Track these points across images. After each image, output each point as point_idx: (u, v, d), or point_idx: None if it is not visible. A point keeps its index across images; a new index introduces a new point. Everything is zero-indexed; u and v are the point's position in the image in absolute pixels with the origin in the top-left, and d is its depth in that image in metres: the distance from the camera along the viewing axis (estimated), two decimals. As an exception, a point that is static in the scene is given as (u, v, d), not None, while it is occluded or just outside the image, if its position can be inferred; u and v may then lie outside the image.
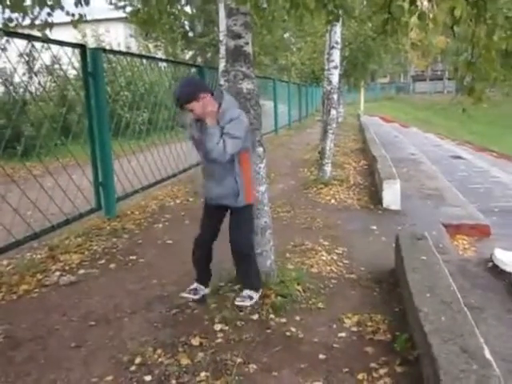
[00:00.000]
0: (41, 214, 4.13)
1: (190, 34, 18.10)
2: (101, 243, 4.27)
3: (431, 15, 2.41)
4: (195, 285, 3.11)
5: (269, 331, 2.76)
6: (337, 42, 6.96)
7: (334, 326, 2.86)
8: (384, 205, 5.75)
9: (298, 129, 17.28)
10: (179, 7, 16.31)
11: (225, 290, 3.16)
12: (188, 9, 17.78)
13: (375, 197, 6.20)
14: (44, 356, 2.54)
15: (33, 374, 2.38)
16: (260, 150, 2.97)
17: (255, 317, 2.88)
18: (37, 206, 4.08)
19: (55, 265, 3.78)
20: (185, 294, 3.05)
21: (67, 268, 3.73)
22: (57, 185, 4.33)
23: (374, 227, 4.98)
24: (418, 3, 2.41)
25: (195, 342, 2.61)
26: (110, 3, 15.79)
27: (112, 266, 3.80)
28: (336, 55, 6.97)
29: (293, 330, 2.78)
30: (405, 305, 2.99)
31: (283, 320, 2.88)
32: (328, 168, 7.05)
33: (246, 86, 2.84)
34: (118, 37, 17.27)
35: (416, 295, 2.67)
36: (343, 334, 2.75)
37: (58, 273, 3.62)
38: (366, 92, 33.61)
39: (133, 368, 2.40)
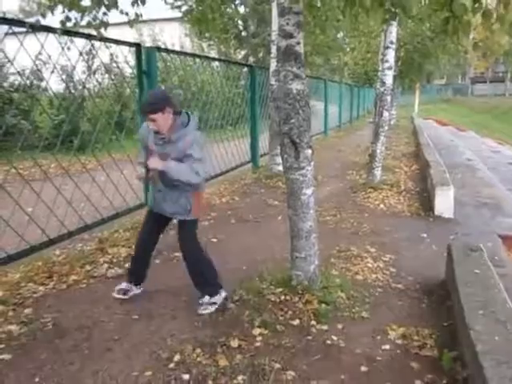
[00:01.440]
0: (93, 206, 4.28)
1: (243, 34, 18.20)
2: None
3: (496, 14, 2.25)
4: (124, 284, 3.21)
5: (309, 338, 2.70)
6: (392, 42, 6.74)
7: (378, 337, 2.75)
8: (436, 212, 5.50)
9: (349, 130, 16.97)
10: (233, 7, 16.51)
11: (266, 292, 3.12)
12: (242, 9, 17.93)
13: (427, 203, 5.95)
14: (88, 346, 2.61)
15: (76, 363, 2.45)
16: (308, 152, 2.91)
17: (296, 322, 2.83)
18: (89, 198, 4.22)
19: (104, 257, 3.90)
20: (115, 295, 3.15)
21: (115, 261, 3.83)
22: (109, 179, 4.46)
23: (425, 235, 4.77)
24: (483, 0, 2.26)
25: (234, 343, 2.59)
26: (166, 3, 16.13)
27: (157, 261, 3.86)
28: (390, 56, 6.76)
29: (334, 338, 2.70)
30: (455, 320, 2.82)
31: (325, 327, 2.81)
32: (378, 172, 6.85)
33: (296, 86, 2.78)
34: (173, 36, 17.67)
35: (468, 311, 2.51)
36: (387, 347, 2.64)
37: (106, 265, 3.73)
38: (421, 94, 32.49)
39: (171, 365, 2.41)
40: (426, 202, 6.07)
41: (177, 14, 19.13)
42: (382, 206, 5.92)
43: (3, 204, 3.59)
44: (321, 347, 2.62)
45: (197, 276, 3.08)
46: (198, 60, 7.70)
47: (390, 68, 6.75)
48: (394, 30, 6.63)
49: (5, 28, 3.56)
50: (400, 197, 6.37)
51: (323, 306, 2.97)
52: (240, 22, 18.24)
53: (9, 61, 3.46)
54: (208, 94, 7.91)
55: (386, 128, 6.97)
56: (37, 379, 2.31)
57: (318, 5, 2.65)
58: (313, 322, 2.84)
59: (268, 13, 14.11)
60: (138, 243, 3.20)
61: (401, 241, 4.59)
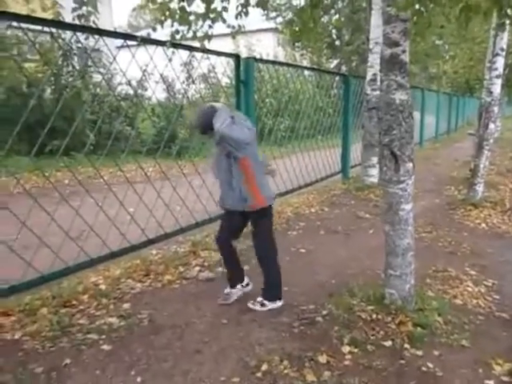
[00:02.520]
0: (187, 210, 4.46)
1: (337, 43, 18.06)
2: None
3: None
4: (227, 289, 3.33)
5: (402, 362, 2.55)
6: (502, 49, 6.22)
7: (480, 370, 2.52)
8: (548, 236, 4.96)
9: (446, 142, 16.00)
10: (329, 17, 16.46)
11: (357, 308, 3.01)
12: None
13: (537, 225, 5.39)
14: (180, 346, 2.70)
15: (169, 360, 2.55)
16: (409, 165, 2.76)
17: (388, 343, 2.69)
18: (185, 202, 4.40)
19: (196, 260, 4.05)
20: (220, 301, 3.28)
21: (206, 264, 3.95)
22: (204, 184, 4.62)
23: (534, 261, 4.31)
24: None
25: (322, 359, 2.53)
26: (264, 14, 16.52)
27: (246, 267, 3.89)
28: (500, 63, 6.24)
29: (430, 365, 2.52)
30: None
31: (419, 352, 2.63)
32: (480, 188, 6.34)
33: (400, 96, 2.66)
34: (267, 46, 18.05)
35: None
36: (491, 382, 2.40)
37: (197, 268, 3.86)
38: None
39: (259, 374, 2.41)
40: (536, 223, 5.50)
41: (271, 24, 19.54)
42: (483, 225, 5.47)
43: (109, 203, 3.86)
44: (415, 373, 2.46)
45: (266, 275, 3.19)
46: (291, 69, 7.76)
47: (498, 76, 6.24)
48: (505, 36, 6.13)
49: (118, 42, 3.87)
50: (504, 216, 5.84)
51: (418, 329, 2.79)
52: (334, 31, 18.15)
53: (122, 72, 3.73)
54: (300, 103, 7.92)
55: (491, 141, 6.44)
56: (133, 372, 2.44)
57: (427, 10, 2.50)
58: (406, 346, 2.68)
59: (363, 21, 13.86)
60: (217, 242, 3.31)
61: (505, 265, 4.19)
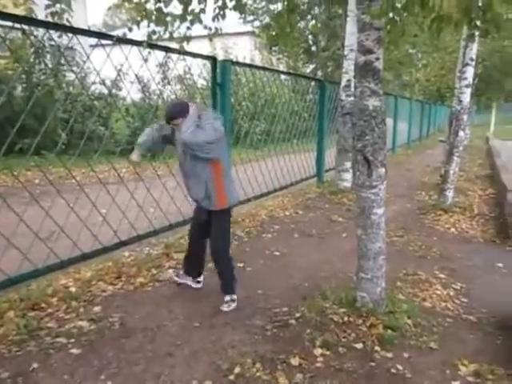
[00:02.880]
0: (161, 212, 4.42)
1: (313, 49, 18.27)
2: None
3: None
4: (181, 271, 3.54)
5: (373, 364, 2.58)
6: (472, 59, 6.42)
7: (448, 371, 2.58)
8: (514, 241, 5.12)
9: (418, 149, 16.39)
10: (305, 23, 16.60)
11: (329, 311, 3.04)
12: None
13: (503, 230, 5.55)
14: (152, 349, 2.67)
15: (141, 364, 2.51)
16: (382, 170, 2.82)
17: (359, 346, 2.72)
18: (159, 204, 4.36)
19: (169, 262, 4.01)
20: (172, 274, 3.60)
21: (179, 266, 3.90)
22: (178, 186, 4.59)
23: (500, 265, 4.45)
24: None
25: (294, 362, 2.54)
26: (242, 18, 16.56)
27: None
28: (470, 73, 6.43)
29: (399, 367, 2.57)
30: (536, 361, 2.59)
31: (389, 355, 2.68)
32: (450, 193, 6.52)
33: (373, 102, 2.71)
34: (244, 49, 18.08)
35: (553, 353, 2.29)
36: (457, 383, 2.47)
37: (170, 270, 3.82)
38: (501, 113, 30.69)
39: (231, 377, 2.40)
40: (502, 228, 5.67)
41: (248, 28, 19.61)
42: (452, 229, 5.62)
43: (80, 204, 3.79)
44: (385, 375, 2.50)
45: (220, 274, 3.27)
46: (267, 73, 7.79)
47: (468, 86, 6.44)
48: (474, 47, 6.32)
49: (93, 40, 3.81)
50: (473, 221, 6.02)
51: (389, 331, 2.84)
52: (310, 37, 18.36)
53: (96, 72, 3.68)
54: (276, 106, 7.97)
55: (461, 148, 6.64)
56: (102, 377, 2.39)
57: (400, 19, 2.56)
58: (377, 348, 2.72)
59: (339, 28, 14.07)
60: (189, 237, 3.46)
61: (473, 269, 4.31)
